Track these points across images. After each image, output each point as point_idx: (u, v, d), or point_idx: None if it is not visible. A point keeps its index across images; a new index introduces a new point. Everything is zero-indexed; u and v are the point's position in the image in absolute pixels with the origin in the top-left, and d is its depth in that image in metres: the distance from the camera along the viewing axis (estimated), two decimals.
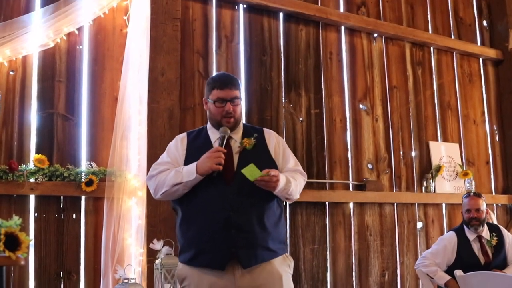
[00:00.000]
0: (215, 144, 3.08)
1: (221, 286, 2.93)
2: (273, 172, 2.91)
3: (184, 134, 3.26)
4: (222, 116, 3.07)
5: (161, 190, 3.03)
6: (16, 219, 2.07)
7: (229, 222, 2.91)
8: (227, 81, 3.11)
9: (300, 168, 3.24)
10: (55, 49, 4.21)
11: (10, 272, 3.81)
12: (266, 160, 3.10)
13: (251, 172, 2.85)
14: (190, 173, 2.95)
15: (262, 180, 2.87)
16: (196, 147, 3.08)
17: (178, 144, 3.19)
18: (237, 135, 3.14)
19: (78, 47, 4.32)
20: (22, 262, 2.05)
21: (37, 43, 4.10)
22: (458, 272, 4.33)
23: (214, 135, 3.13)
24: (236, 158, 3.06)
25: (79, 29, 4.29)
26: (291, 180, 3.04)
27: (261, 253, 2.97)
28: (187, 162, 3.06)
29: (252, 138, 3.09)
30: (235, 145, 3.09)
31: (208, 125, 3.20)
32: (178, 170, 3.00)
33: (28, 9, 4.17)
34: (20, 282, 3.87)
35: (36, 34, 4.06)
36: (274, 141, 3.21)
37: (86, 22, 4.32)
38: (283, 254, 3.10)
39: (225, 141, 3.03)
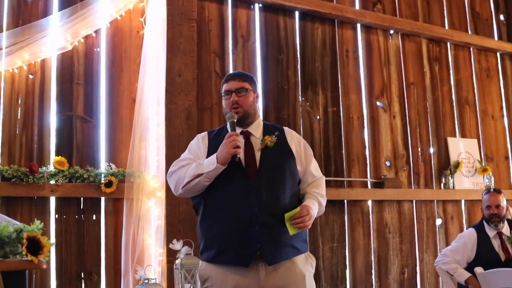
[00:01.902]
0: None
1: (245, 285, 2.92)
2: (303, 211, 2.92)
3: (205, 133, 3.28)
4: (230, 108, 3.10)
5: (182, 183, 3.00)
6: (37, 223, 2.10)
7: (254, 219, 2.91)
8: (233, 74, 3.20)
9: (319, 170, 3.25)
10: (73, 52, 4.25)
11: (32, 274, 3.85)
12: (287, 158, 3.10)
13: (289, 224, 2.90)
14: (210, 163, 2.93)
15: (296, 223, 2.89)
16: (217, 145, 3.06)
17: (199, 142, 3.21)
18: (257, 132, 3.14)
19: (95, 49, 4.36)
20: (44, 266, 2.08)
21: (55, 46, 4.16)
22: (478, 269, 4.30)
23: (230, 129, 3.14)
24: (258, 155, 3.06)
25: (97, 31, 4.34)
26: (322, 202, 3.11)
27: (286, 250, 2.97)
28: None
29: (274, 136, 3.10)
30: (257, 142, 3.10)
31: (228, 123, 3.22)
32: (198, 163, 2.99)
33: (46, 12, 4.22)
34: (42, 283, 3.93)
35: (54, 38, 4.12)
36: (296, 140, 3.21)
37: (103, 25, 4.36)
38: (305, 252, 3.11)
39: (235, 126, 3.05)
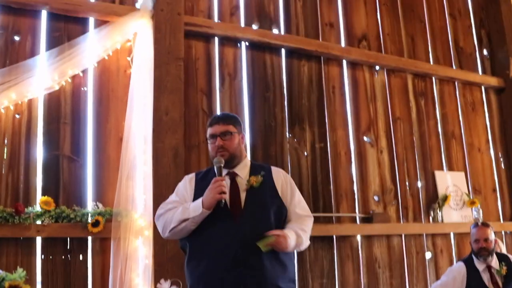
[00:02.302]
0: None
1: None
2: (277, 232, 2.95)
3: (192, 175, 3.30)
4: (216, 152, 3.14)
5: (169, 227, 3.05)
6: (20, 272, 2.09)
7: (238, 260, 2.92)
8: (218, 118, 3.24)
9: (307, 209, 3.26)
10: (60, 91, 4.26)
11: None
12: (272, 198, 3.13)
13: (263, 243, 2.90)
14: (196, 208, 2.97)
15: (270, 245, 2.90)
16: (204, 187, 3.10)
17: (186, 184, 3.23)
18: (244, 173, 3.17)
19: (82, 88, 4.37)
20: None
21: (42, 86, 4.16)
22: None
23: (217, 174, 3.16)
24: (243, 196, 3.09)
25: (84, 71, 4.35)
26: (301, 234, 3.09)
27: None
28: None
29: (259, 176, 3.12)
30: (242, 183, 3.12)
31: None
32: (185, 207, 3.03)
33: (33, 52, 4.24)
34: None
35: (41, 78, 4.13)
36: (282, 179, 3.23)
37: (91, 64, 4.38)
38: None
39: (222, 171, 3.07)
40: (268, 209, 3.05)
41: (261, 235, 2.92)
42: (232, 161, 3.15)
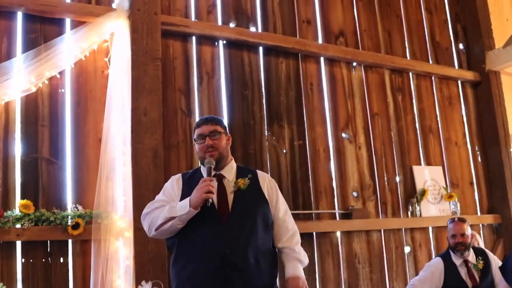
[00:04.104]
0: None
1: None
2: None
3: (179, 175, 3.33)
4: (204, 152, 3.15)
5: (155, 225, 3.06)
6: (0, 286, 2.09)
7: (224, 261, 2.96)
8: (205, 119, 3.29)
9: (291, 219, 3.33)
10: (37, 93, 4.23)
11: None
12: (259, 200, 3.17)
13: None
14: (183, 207, 2.99)
15: None
16: (191, 187, 3.12)
17: (174, 184, 3.26)
18: (230, 175, 3.20)
19: (60, 90, 4.34)
20: None
21: (19, 89, 4.12)
22: None
23: (205, 173, 3.18)
24: (230, 198, 3.12)
25: (61, 72, 4.32)
26: (303, 260, 3.27)
27: None
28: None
29: (247, 179, 3.16)
30: (229, 185, 3.15)
31: (201, 166, 3.25)
32: (172, 205, 3.05)
33: (9, 55, 4.20)
34: None
35: (18, 80, 4.09)
36: (267, 184, 3.29)
37: (68, 66, 4.35)
38: None
39: (212, 172, 3.09)
40: (255, 212, 3.10)
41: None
42: (220, 162, 3.18)
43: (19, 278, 3.95)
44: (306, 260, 3.27)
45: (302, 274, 3.17)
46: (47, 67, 4.21)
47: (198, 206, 2.96)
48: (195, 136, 3.22)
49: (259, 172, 3.34)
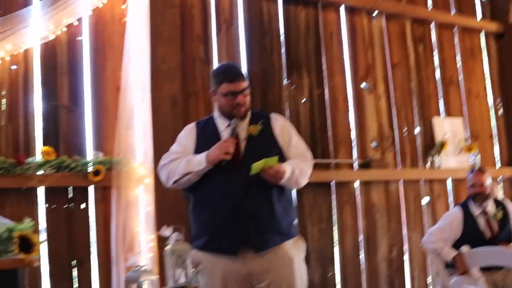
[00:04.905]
0: (224, 133, 3.13)
1: (233, 269, 3.02)
2: (278, 168, 2.96)
3: (193, 124, 3.32)
4: (232, 107, 3.12)
5: (172, 179, 3.11)
6: (28, 222, 2.13)
7: (238, 208, 2.99)
8: (235, 74, 3.16)
9: (305, 151, 3.26)
10: (55, 41, 4.21)
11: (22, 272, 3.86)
12: (271, 146, 3.16)
13: (258, 166, 2.91)
14: (200, 162, 3.01)
15: (267, 173, 2.92)
16: (205, 136, 3.14)
17: (187, 134, 3.26)
18: (244, 122, 3.19)
19: (78, 38, 4.33)
20: (36, 264, 2.11)
21: (37, 36, 4.11)
22: (464, 248, 4.39)
23: (222, 124, 3.18)
24: (243, 145, 3.13)
25: (79, 20, 4.29)
26: (296, 169, 3.08)
27: (272, 237, 3.04)
28: (197, 150, 3.13)
29: (258, 125, 3.15)
30: (242, 132, 3.14)
31: (216, 114, 3.25)
32: (188, 160, 3.07)
33: (27, 2, 4.17)
34: (34, 272, 3.92)
35: (36, 28, 4.07)
36: (281, 126, 3.26)
37: (85, 13, 4.32)
38: (294, 237, 3.16)
39: (236, 133, 3.08)
40: (267, 157, 3.08)
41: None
42: (245, 115, 3.19)
43: (41, 224, 4.02)
44: (299, 179, 3.12)
45: (289, 167, 3.04)
46: (65, 15, 4.18)
47: (214, 163, 3.00)
48: (224, 91, 3.11)
49: (272, 115, 3.31)
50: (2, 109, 4.05)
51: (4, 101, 4.06)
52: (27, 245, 2.11)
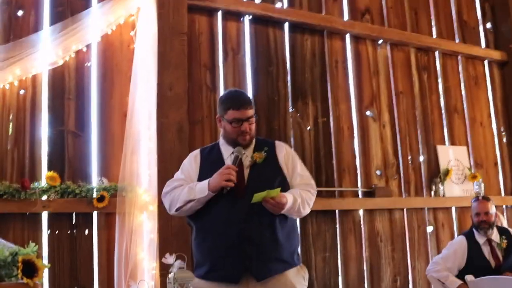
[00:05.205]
0: (227, 161, 3.12)
1: None
2: (280, 199, 2.94)
3: (197, 151, 3.31)
4: (237, 135, 3.12)
5: (175, 206, 3.10)
6: (32, 246, 2.12)
7: (242, 235, 2.97)
8: (242, 101, 3.15)
9: (309, 180, 3.25)
10: (64, 67, 4.25)
11: None
12: (275, 173, 3.15)
13: (259, 196, 2.91)
14: (202, 190, 3.01)
15: (268, 203, 2.92)
16: (209, 163, 3.14)
17: (192, 161, 3.25)
18: (249, 149, 3.18)
19: (86, 64, 4.36)
20: None
21: (46, 62, 4.15)
22: (469, 277, 4.37)
23: (226, 151, 3.18)
24: (246, 172, 3.12)
25: (87, 46, 4.33)
26: (298, 199, 3.07)
27: (274, 265, 3.02)
28: (200, 178, 3.12)
29: (263, 152, 3.14)
30: (246, 159, 3.13)
31: (221, 141, 3.25)
32: (191, 187, 3.06)
33: (37, 27, 4.22)
34: None
35: (45, 53, 4.11)
36: (285, 154, 3.24)
37: (94, 39, 4.36)
38: (297, 266, 3.14)
39: (238, 161, 3.07)
40: (271, 184, 3.06)
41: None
42: (249, 143, 3.19)
43: (45, 249, 4.01)
44: (302, 208, 3.11)
45: (290, 197, 3.03)
46: (74, 41, 4.22)
47: (217, 191, 2.99)
48: (230, 118, 3.11)
49: (277, 142, 3.31)
50: (9, 134, 4.06)
51: (10, 125, 4.07)
52: (31, 269, 2.09)
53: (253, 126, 3.17)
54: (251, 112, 3.14)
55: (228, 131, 3.16)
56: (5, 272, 2.12)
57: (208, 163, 3.17)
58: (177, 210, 3.11)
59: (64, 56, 4.21)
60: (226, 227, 3.00)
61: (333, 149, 5.32)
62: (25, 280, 2.04)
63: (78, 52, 4.29)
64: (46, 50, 4.11)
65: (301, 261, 3.25)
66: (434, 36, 6.32)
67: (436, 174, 5.91)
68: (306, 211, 3.17)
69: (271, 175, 3.12)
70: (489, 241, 4.70)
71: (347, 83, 5.57)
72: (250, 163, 3.13)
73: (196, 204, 3.05)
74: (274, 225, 3.04)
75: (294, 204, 3.04)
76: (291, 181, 3.18)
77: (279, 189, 2.96)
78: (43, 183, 4.01)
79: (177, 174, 3.26)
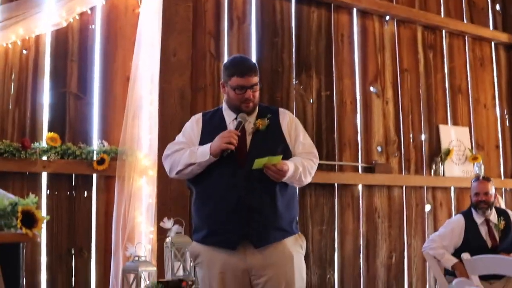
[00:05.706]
0: (230, 126, 3.10)
1: (232, 264, 2.99)
2: (281, 166, 2.92)
3: (199, 115, 3.28)
4: (241, 102, 3.08)
5: (175, 169, 3.08)
6: (32, 197, 2.13)
7: (241, 203, 2.96)
8: (247, 68, 3.10)
9: (311, 148, 3.23)
10: (67, 28, 4.22)
11: (23, 248, 3.86)
12: (278, 141, 3.12)
13: (260, 162, 2.88)
14: (203, 153, 2.98)
15: (269, 170, 2.90)
16: (211, 128, 3.11)
17: (193, 125, 3.22)
18: (252, 116, 3.15)
19: (90, 26, 4.34)
20: (39, 239, 2.11)
21: (50, 23, 4.12)
22: (465, 255, 4.34)
23: (229, 116, 3.15)
24: (249, 139, 3.09)
25: (92, 8, 4.30)
26: (299, 167, 3.04)
27: (273, 233, 3.01)
28: (202, 142, 3.09)
29: (266, 119, 3.11)
30: (249, 126, 3.11)
31: (224, 106, 3.22)
32: (192, 151, 3.03)
33: None
34: (32, 258, 3.94)
35: (49, 14, 4.08)
36: (288, 121, 3.21)
37: (99, 2, 4.32)
38: (295, 234, 3.14)
39: (241, 126, 3.04)
40: (273, 152, 3.05)
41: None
42: (253, 111, 3.15)
43: (43, 209, 4.02)
44: (303, 177, 3.07)
45: (292, 165, 2.99)
46: (78, 2, 4.20)
47: (218, 154, 2.96)
48: (233, 84, 3.06)
49: (280, 110, 3.27)
50: (10, 93, 4.05)
51: (12, 85, 4.06)
52: (30, 220, 2.11)
53: (257, 94, 3.14)
54: (255, 79, 3.10)
55: (231, 98, 3.13)
56: (4, 222, 2.13)
57: (210, 128, 3.14)
58: (177, 173, 3.09)
59: (68, 18, 4.18)
60: (227, 193, 2.98)
61: (335, 123, 5.31)
62: (24, 230, 2.05)
63: (82, 14, 4.26)
64: (50, 11, 4.08)
65: (299, 230, 3.25)
66: (442, 15, 6.25)
67: (437, 153, 5.91)
68: (308, 179, 3.15)
69: (274, 142, 3.10)
70: (487, 221, 4.71)
71: (352, 58, 5.54)
72: (252, 130, 3.11)
73: (197, 168, 3.02)
74: (275, 193, 3.03)
75: (295, 172, 3.02)
76: (294, 149, 3.16)
77: (280, 156, 2.95)
78: (44, 143, 4.01)
79: (179, 137, 3.24)
